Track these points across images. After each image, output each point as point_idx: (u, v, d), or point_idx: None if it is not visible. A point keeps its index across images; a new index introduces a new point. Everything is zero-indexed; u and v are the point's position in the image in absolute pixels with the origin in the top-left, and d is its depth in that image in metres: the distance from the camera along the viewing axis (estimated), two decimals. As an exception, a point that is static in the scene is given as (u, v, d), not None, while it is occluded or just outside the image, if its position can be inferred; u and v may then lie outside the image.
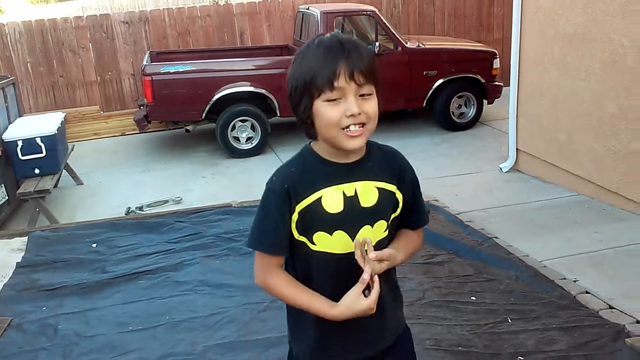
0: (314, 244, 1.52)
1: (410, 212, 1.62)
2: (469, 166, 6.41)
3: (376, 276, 1.47)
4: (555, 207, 5.07)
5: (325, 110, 1.42)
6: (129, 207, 5.72)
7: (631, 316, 3.31)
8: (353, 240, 1.50)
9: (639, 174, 4.62)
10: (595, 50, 4.86)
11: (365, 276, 1.44)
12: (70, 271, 4.15)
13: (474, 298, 3.56)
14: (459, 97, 7.85)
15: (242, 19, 9.27)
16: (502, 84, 7.84)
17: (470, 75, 7.73)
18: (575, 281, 3.75)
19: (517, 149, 6.07)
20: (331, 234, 1.50)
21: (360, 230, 1.51)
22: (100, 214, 5.52)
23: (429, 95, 7.65)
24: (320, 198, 1.49)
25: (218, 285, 3.83)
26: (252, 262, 4.08)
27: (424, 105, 7.73)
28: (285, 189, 1.49)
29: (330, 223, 1.50)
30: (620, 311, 3.37)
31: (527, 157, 5.98)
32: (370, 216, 1.52)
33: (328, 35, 1.47)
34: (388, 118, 7.52)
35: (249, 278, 3.93)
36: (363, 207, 1.51)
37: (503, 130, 6.87)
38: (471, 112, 7.94)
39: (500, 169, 6.14)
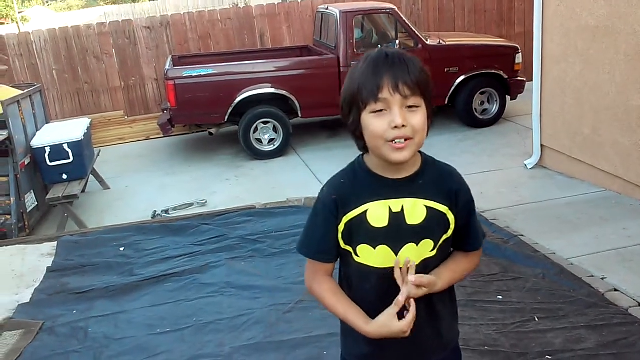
0: (357, 255, 1.53)
1: (463, 235, 1.59)
2: (493, 163, 6.36)
3: (412, 300, 1.46)
4: (582, 204, 5.00)
5: (371, 122, 1.42)
6: (155, 211, 5.79)
7: (661, 313, 3.26)
8: (396, 256, 1.50)
9: (667, 168, 4.54)
10: (619, 42, 4.79)
11: (400, 298, 1.44)
12: (99, 275, 4.22)
13: (500, 297, 3.54)
14: (482, 93, 7.78)
15: (262, 21, 9.32)
16: (525, 79, 7.76)
17: (493, 71, 7.66)
18: (603, 278, 3.71)
19: (541, 144, 6.01)
20: (374, 248, 1.51)
21: (404, 247, 1.51)
22: (127, 217, 5.60)
23: (451, 92, 7.59)
24: (365, 212, 1.49)
25: (243, 287, 3.87)
26: (277, 264, 4.11)
27: (446, 102, 7.68)
28: (333, 200, 1.52)
29: (374, 237, 1.50)
30: (650, 308, 3.32)
31: (552, 152, 5.91)
32: (415, 234, 1.50)
33: (377, 49, 1.48)
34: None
35: (274, 279, 3.99)
36: (409, 225, 1.50)
37: (527, 126, 6.80)
38: (494, 108, 7.87)
39: (525, 165, 6.08)
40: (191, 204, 5.93)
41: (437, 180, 1.54)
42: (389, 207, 1.49)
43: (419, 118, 1.42)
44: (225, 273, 4.07)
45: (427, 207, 1.51)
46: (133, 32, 8.99)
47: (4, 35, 8.93)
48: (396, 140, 1.40)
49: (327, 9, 7.91)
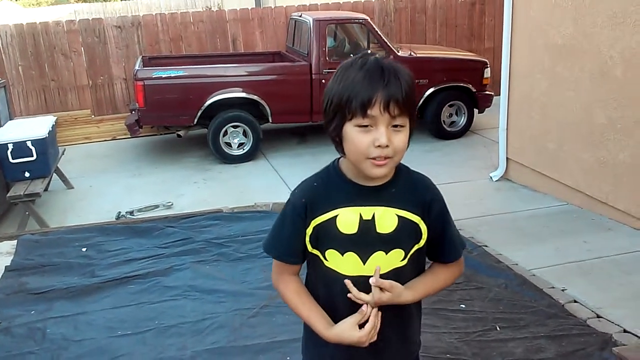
0: (326, 259, 1.52)
1: (439, 245, 1.57)
2: (459, 174, 6.45)
3: (376, 309, 1.46)
4: (545, 216, 5.11)
5: (354, 136, 1.39)
6: (120, 212, 5.70)
7: (618, 325, 3.34)
8: (364, 264, 1.48)
9: (626, 185, 4.67)
10: (584, 61, 4.91)
11: (364, 308, 1.45)
12: (60, 275, 4.13)
13: (463, 306, 3.58)
14: (450, 105, 7.89)
15: (235, 25, 9.29)
16: (492, 93, 7.89)
17: (461, 84, 7.78)
18: (563, 290, 3.78)
19: (507, 158, 6.11)
20: (342, 254, 1.50)
21: (373, 256, 1.49)
22: (90, 218, 5.50)
23: (420, 103, 7.68)
24: (335, 217, 1.48)
25: (208, 290, 3.83)
26: (243, 268, 4.07)
27: (415, 113, 7.75)
28: (303, 203, 1.50)
29: (343, 243, 1.49)
30: (608, 320, 3.40)
31: (517, 166, 6.02)
32: (385, 243, 1.49)
33: (372, 57, 1.43)
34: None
35: (239, 284, 3.96)
36: (378, 233, 1.48)
37: (493, 139, 6.92)
38: (462, 120, 7.99)
39: (491, 177, 6.18)
40: (157, 206, 5.86)
41: (410, 189, 1.53)
42: (360, 214, 1.47)
43: (401, 138, 1.41)
44: (190, 276, 4.03)
45: (398, 216, 1.49)
46: (103, 31, 8.86)
47: (-31, 28, 8.71)
48: (377, 159, 1.39)
49: (300, 16, 7.93)
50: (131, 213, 5.68)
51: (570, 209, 5.20)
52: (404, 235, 1.50)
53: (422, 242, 1.54)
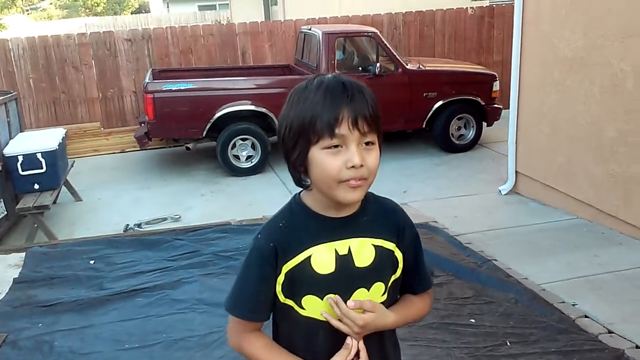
0: (303, 308, 1.36)
1: (412, 274, 1.46)
2: (468, 188, 6.42)
3: (362, 343, 1.36)
4: (554, 230, 5.06)
5: (324, 160, 1.26)
6: (128, 224, 5.71)
7: (630, 341, 3.30)
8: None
9: (637, 198, 4.62)
10: (594, 74, 4.89)
11: (348, 341, 1.34)
12: (68, 287, 4.13)
13: (473, 320, 3.54)
14: (459, 118, 7.88)
15: (245, 38, 9.34)
16: (501, 107, 7.87)
17: (470, 97, 7.77)
18: (574, 305, 3.74)
19: (516, 171, 6.08)
20: (322, 299, 1.35)
21: (355, 294, 1.36)
22: (98, 230, 5.51)
23: (428, 116, 7.67)
24: (309, 257, 1.33)
25: (216, 304, 3.80)
26: (224, 279, 3.98)
27: (424, 126, 7.76)
28: (272, 248, 1.34)
29: (321, 286, 1.34)
30: (620, 336, 3.36)
31: (526, 179, 5.98)
32: (365, 278, 1.36)
33: (329, 75, 1.32)
34: (388, 139, 7.53)
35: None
36: (357, 268, 1.35)
37: (502, 153, 6.89)
38: (470, 134, 7.97)
39: (499, 191, 6.15)
40: (165, 219, 5.87)
41: (381, 216, 1.42)
42: (335, 250, 1.34)
43: (374, 157, 1.29)
44: (198, 289, 4.01)
45: (375, 246, 1.37)
46: (114, 44, 8.93)
47: (-19, 41, 8.81)
48: (352, 182, 1.26)
49: (309, 29, 7.97)
50: (139, 226, 5.68)
51: (580, 223, 5.16)
52: (382, 266, 1.39)
53: (399, 272, 1.43)
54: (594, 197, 5.05)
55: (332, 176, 1.27)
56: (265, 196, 6.50)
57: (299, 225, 1.36)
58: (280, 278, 1.35)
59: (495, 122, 8.02)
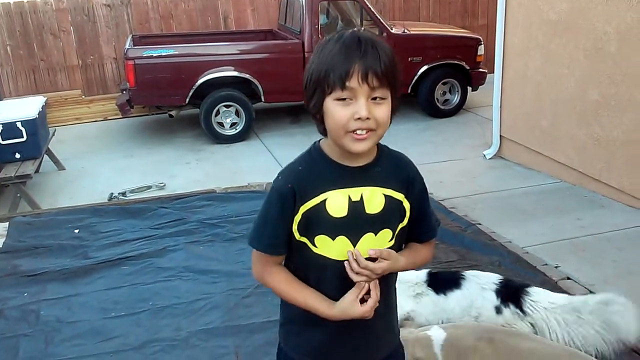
0: (315, 246, 1.48)
1: (418, 223, 1.57)
2: (453, 153, 6.44)
3: (376, 281, 1.45)
4: (538, 194, 5.11)
5: (334, 110, 1.37)
6: (112, 193, 5.66)
7: (611, 301, 3.35)
8: (354, 247, 1.46)
9: (620, 162, 4.66)
10: (579, 37, 4.88)
11: (357, 278, 1.42)
12: (52, 257, 4.12)
13: (457, 284, 3.58)
14: (444, 83, 7.85)
15: (226, 3, 9.16)
16: (486, 71, 7.85)
17: (455, 61, 7.73)
18: (557, 267, 3.80)
19: (500, 135, 6.10)
20: (333, 239, 1.46)
21: (363, 238, 1.47)
22: (82, 199, 5.46)
23: (413, 81, 7.64)
24: (324, 200, 1.44)
25: (202, 271, 3.82)
26: (236, 249, 4.04)
27: (409, 91, 7.73)
28: (290, 189, 1.44)
29: (333, 227, 1.45)
30: (601, 296, 3.41)
31: (510, 144, 6.01)
32: (374, 223, 1.47)
33: (349, 31, 1.41)
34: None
35: (234, 264, 3.94)
36: (368, 214, 1.46)
37: (487, 117, 6.90)
38: (455, 98, 7.95)
39: (484, 155, 6.17)
40: (149, 187, 5.83)
41: (393, 168, 1.52)
42: (349, 196, 1.44)
43: (383, 111, 1.38)
44: (184, 257, 4.02)
45: (385, 195, 1.48)
46: (92, 10, 8.72)
47: (-45, 7, 8.56)
48: (357, 131, 1.37)
49: (292, -7, 7.83)
50: (124, 194, 5.64)
51: (563, 187, 5.21)
52: (391, 214, 1.49)
53: (406, 221, 1.54)
54: (578, 161, 5.09)
55: (340, 126, 1.37)
56: (250, 163, 6.48)
57: (317, 171, 1.47)
58: (297, 217, 1.46)
59: (480, 87, 8.00)
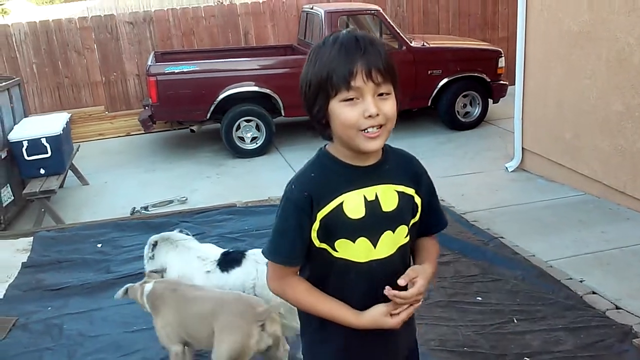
0: (336, 250, 1.47)
1: (429, 216, 1.58)
2: (474, 166, 6.39)
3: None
4: (562, 207, 5.04)
5: (342, 111, 1.36)
6: (134, 207, 5.72)
7: (638, 316, 3.29)
8: (375, 247, 1.46)
9: (645, 173, 4.59)
10: (601, 48, 4.83)
11: (398, 300, 1.42)
12: (76, 271, 4.16)
13: (479, 298, 3.54)
14: (464, 96, 7.81)
15: (247, 19, 9.27)
16: (507, 83, 7.80)
17: (476, 74, 7.69)
18: (581, 281, 3.73)
19: (522, 148, 6.04)
20: (354, 242, 1.45)
21: (382, 236, 1.47)
22: (105, 214, 5.52)
23: (434, 94, 7.61)
24: (341, 203, 1.43)
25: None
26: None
27: (429, 104, 7.70)
28: (306, 197, 1.43)
29: (353, 229, 1.45)
30: (627, 311, 3.35)
31: (533, 156, 5.95)
32: (391, 221, 1.48)
33: (343, 32, 1.41)
34: (393, 117, 7.48)
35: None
36: (384, 212, 1.46)
37: (509, 130, 6.83)
38: (476, 111, 7.91)
39: (506, 168, 6.11)
40: (171, 201, 5.87)
41: (401, 164, 1.53)
42: (364, 196, 1.44)
43: (390, 105, 1.38)
44: (204, 271, 4.02)
45: (397, 192, 1.48)
46: (115, 27, 8.88)
47: (-17, 27, 8.77)
48: (369, 129, 1.36)
49: (312, 8, 7.89)
50: (146, 208, 5.69)
51: (587, 199, 5.13)
52: (405, 210, 1.50)
53: (417, 216, 1.55)
54: (602, 173, 5.01)
55: (350, 125, 1.36)
56: (270, 177, 6.49)
57: (330, 175, 1.46)
58: (316, 225, 1.45)
59: (501, 99, 7.95)
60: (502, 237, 4.39)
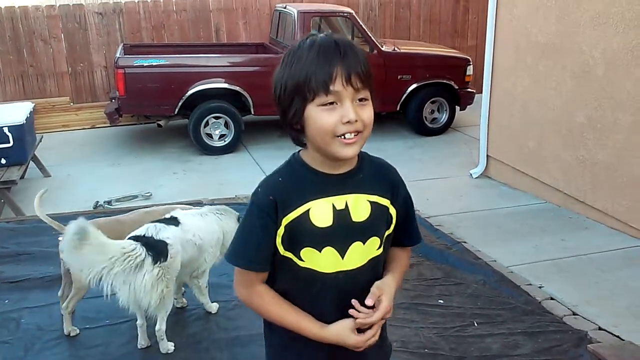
0: (301, 260, 1.41)
1: (405, 229, 1.53)
2: (440, 171, 6.48)
3: (381, 321, 1.43)
4: (523, 214, 5.15)
5: (319, 116, 1.31)
6: (97, 201, 5.63)
7: (593, 323, 3.39)
8: (343, 258, 1.42)
9: (604, 184, 4.72)
10: (566, 60, 4.95)
11: (365, 319, 1.39)
12: (35, 264, 4.07)
13: (441, 301, 3.59)
14: (432, 102, 7.92)
15: (219, 15, 9.21)
16: (474, 91, 7.93)
17: (444, 81, 7.80)
18: (540, 287, 3.82)
19: (487, 155, 6.15)
20: (320, 251, 1.40)
21: (351, 247, 1.42)
22: (67, 207, 5.41)
23: (402, 99, 7.70)
24: (308, 210, 1.38)
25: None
26: (222, 261, 4.00)
27: (398, 109, 7.78)
28: (271, 201, 1.38)
29: (319, 238, 1.39)
30: (584, 318, 3.45)
31: (497, 163, 6.06)
32: (361, 232, 1.42)
33: (321, 35, 1.36)
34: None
35: (218, 276, 3.92)
36: (354, 222, 1.41)
37: (474, 137, 6.95)
38: (444, 117, 8.02)
39: (471, 174, 6.21)
40: (135, 196, 5.80)
41: (376, 173, 1.48)
42: (333, 205, 1.39)
43: (369, 112, 1.35)
44: (168, 267, 3.98)
45: (370, 202, 1.43)
46: (84, 17, 8.72)
47: (-55, 10, 8.51)
48: (346, 135, 1.32)
49: (285, 7, 7.88)
50: (109, 203, 5.61)
51: (548, 207, 5.25)
52: (378, 221, 1.45)
53: (392, 228, 1.50)
54: (563, 182, 5.14)
55: (328, 131, 1.32)
56: (238, 175, 6.47)
57: (298, 181, 1.41)
58: (280, 231, 1.40)
59: (468, 106, 8.08)
60: (465, 242, 4.46)
